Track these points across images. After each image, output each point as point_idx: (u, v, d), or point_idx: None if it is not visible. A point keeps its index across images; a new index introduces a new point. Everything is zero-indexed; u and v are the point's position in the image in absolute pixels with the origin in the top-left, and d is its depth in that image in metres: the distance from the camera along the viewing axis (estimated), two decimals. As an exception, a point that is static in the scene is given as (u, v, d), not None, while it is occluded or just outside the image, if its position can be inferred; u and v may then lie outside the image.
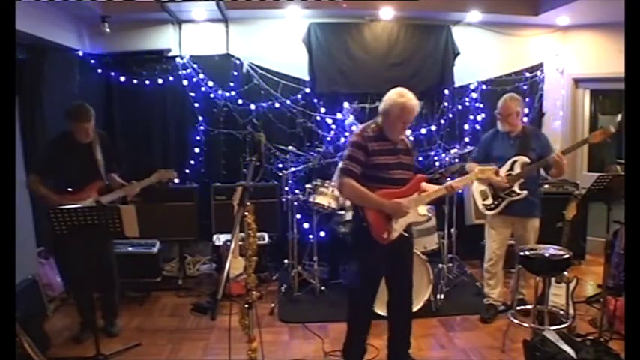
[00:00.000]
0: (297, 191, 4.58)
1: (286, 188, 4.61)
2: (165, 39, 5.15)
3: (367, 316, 3.10)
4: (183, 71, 5.14)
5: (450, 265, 4.77)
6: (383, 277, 3.06)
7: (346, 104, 5.21)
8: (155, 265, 4.66)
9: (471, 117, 5.50)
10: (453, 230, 4.72)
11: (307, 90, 5.26)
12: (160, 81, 5.14)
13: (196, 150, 5.24)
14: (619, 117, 5.65)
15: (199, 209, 4.96)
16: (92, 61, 5.04)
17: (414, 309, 3.42)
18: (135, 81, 5.10)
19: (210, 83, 5.17)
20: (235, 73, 5.20)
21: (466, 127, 5.50)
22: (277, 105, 5.24)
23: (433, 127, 5.44)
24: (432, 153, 5.44)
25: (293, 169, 4.69)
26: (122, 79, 5.09)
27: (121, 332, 3.78)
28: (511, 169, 3.73)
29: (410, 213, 2.92)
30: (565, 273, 3.32)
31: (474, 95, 5.49)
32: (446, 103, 5.43)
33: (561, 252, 3.26)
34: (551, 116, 5.74)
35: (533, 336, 3.09)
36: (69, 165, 3.50)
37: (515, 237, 3.91)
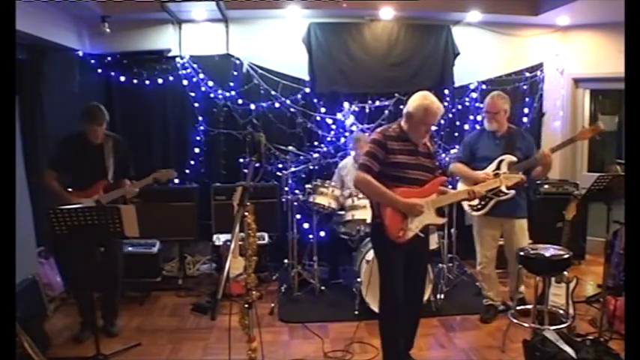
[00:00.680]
0: (297, 191, 4.59)
1: (286, 188, 4.61)
2: (165, 39, 5.14)
3: (398, 312, 2.96)
4: (183, 71, 5.14)
5: (450, 265, 4.77)
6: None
7: (346, 104, 5.21)
8: (155, 265, 4.67)
9: (471, 117, 5.50)
10: (453, 230, 4.72)
11: (307, 90, 5.26)
12: (160, 81, 5.14)
13: (196, 150, 5.24)
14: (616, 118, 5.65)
15: (199, 209, 4.96)
16: (92, 61, 5.04)
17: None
18: (135, 81, 5.10)
19: (210, 83, 5.17)
20: (235, 73, 5.20)
21: (466, 127, 5.49)
22: (277, 105, 5.24)
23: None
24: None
25: (293, 169, 4.69)
26: (122, 79, 5.09)
27: (121, 332, 3.78)
28: (498, 168, 3.70)
29: (426, 213, 2.90)
30: (565, 273, 3.31)
31: (474, 95, 5.48)
32: (446, 103, 5.41)
33: (561, 252, 3.25)
34: (551, 116, 5.73)
35: (533, 336, 3.09)
36: (79, 163, 3.57)
37: (505, 238, 3.90)
